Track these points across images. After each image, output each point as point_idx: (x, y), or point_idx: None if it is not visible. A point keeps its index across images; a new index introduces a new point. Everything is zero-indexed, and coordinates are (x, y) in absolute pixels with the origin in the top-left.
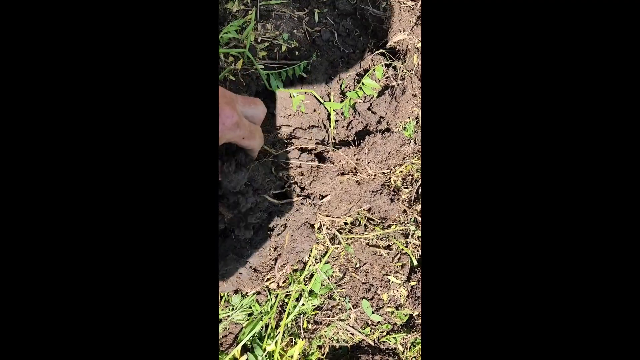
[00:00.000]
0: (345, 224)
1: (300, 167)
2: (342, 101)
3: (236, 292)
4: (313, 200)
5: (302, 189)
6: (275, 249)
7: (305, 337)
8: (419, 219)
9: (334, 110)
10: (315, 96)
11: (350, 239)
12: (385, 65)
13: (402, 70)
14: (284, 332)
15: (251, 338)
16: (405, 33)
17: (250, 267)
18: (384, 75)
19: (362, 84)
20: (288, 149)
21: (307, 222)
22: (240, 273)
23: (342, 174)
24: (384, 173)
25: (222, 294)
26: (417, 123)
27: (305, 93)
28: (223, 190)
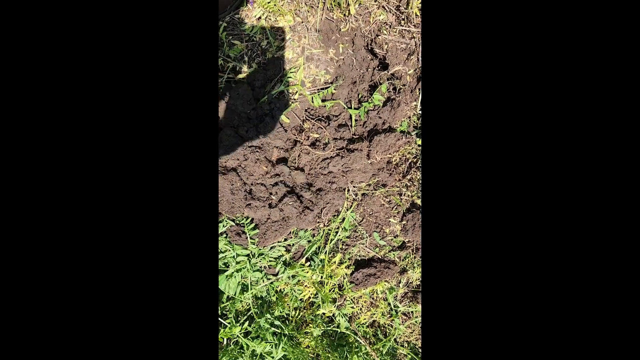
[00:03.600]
0: (366, 186)
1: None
2: (358, 108)
3: (300, 229)
4: (345, 173)
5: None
6: (322, 205)
7: (341, 252)
8: (409, 184)
9: (355, 114)
10: (342, 104)
11: (366, 197)
12: (388, 82)
13: (399, 87)
14: (328, 249)
15: (311, 253)
16: (400, 65)
17: (309, 210)
18: (388, 89)
19: (372, 97)
20: (326, 138)
21: (339, 187)
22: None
23: (368, 156)
24: (388, 157)
25: (293, 229)
26: (409, 121)
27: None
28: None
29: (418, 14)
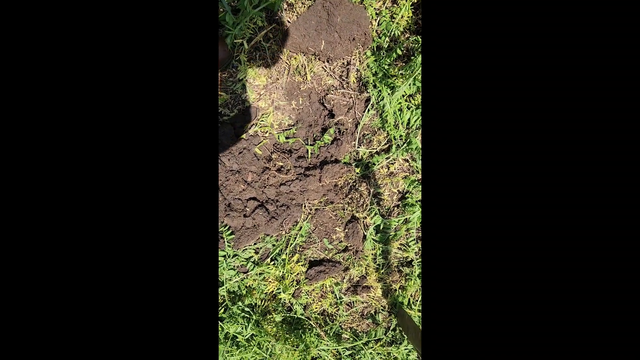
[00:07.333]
0: (318, 203)
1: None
2: (313, 144)
3: (267, 235)
4: (302, 192)
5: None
6: (284, 217)
7: (298, 253)
8: (350, 202)
9: (310, 149)
10: (301, 141)
11: (318, 211)
12: (334, 126)
13: (342, 130)
14: (289, 251)
15: (275, 254)
16: (342, 116)
17: (275, 220)
18: (334, 132)
19: (323, 136)
20: (287, 164)
21: (298, 203)
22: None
23: (319, 179)
24: (335, 181)
25: (261, 235)
26: (349, 155)
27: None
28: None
29: (355, 80)
